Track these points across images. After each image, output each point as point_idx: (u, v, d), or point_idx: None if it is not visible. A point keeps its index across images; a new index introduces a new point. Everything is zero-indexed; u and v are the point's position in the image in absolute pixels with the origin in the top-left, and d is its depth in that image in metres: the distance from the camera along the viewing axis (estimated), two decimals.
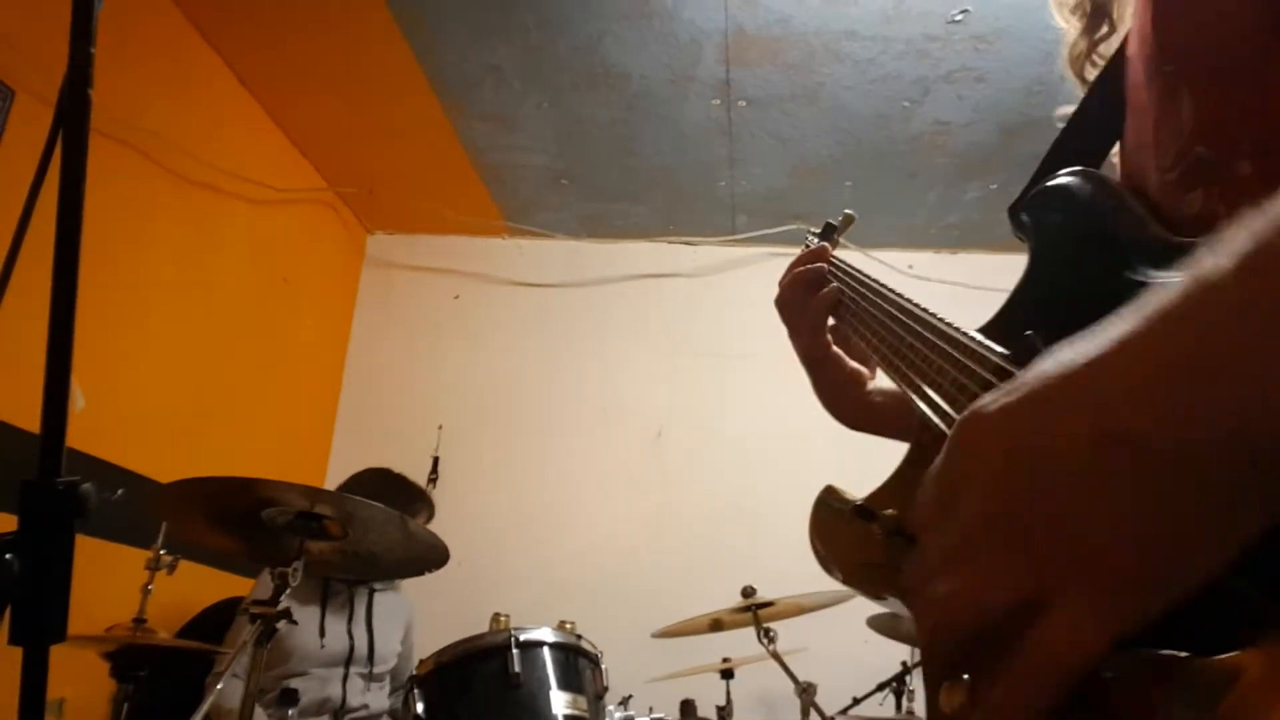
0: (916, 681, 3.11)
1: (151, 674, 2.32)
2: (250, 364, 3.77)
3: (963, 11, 3.05)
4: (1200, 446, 0.37)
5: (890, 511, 0.78)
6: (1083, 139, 0.83)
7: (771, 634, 2.64)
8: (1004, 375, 0.63)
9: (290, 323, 4.12)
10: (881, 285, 1.02)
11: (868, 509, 0.80)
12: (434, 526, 3.08)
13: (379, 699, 2.94)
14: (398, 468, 3.24)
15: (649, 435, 4.36)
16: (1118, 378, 0.40)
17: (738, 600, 2.74)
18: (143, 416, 3.12)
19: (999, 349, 0.67)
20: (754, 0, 3.06)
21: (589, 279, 4.65)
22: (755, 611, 2.68)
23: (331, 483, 3.29)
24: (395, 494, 2.96)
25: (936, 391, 0.73)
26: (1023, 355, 0.64)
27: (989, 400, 0.45)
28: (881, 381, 1.13)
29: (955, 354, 0.72)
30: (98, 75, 0.76)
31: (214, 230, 3.52)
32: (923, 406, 0.75)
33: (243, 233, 3.71)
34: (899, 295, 0.94)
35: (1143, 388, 0.39)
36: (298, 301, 4.15)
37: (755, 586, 2.74)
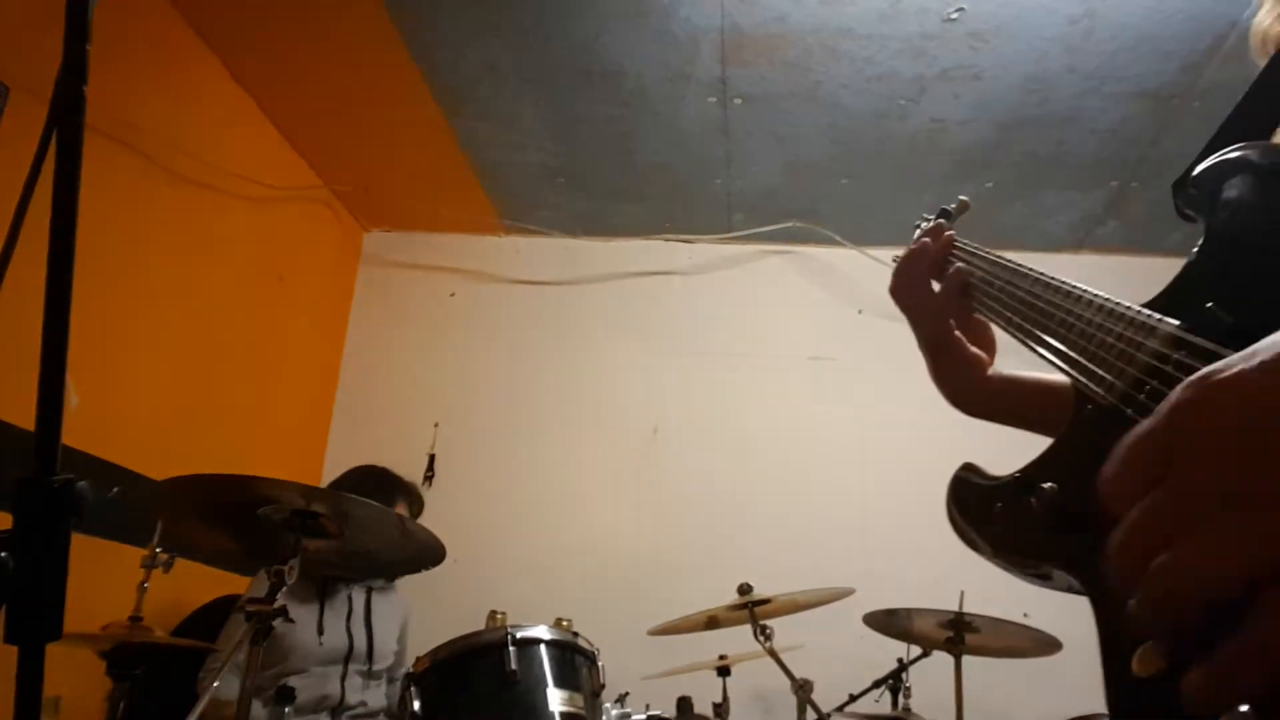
0: (912, 678, 3.12)
1: (147, 672, 2.31)
2: (246, 362, 3.77)
3: (959, 9, 3.05)
4: None
5: (1050, 485, 0.76)
6: (1255, 118, 0.82)
7: (768, 631, 2.64)
8: (1181, 344, 0.61)
9: (286, 320, 4.12)
10: (1016, 263, 0.99)
11: (1028, 482, 0.79)
12: (430, 524, 3.08)
13: (377, 696, 2.95)
14: (394, 465, 3.24)
15: (645, 432, 4.36)
16: None
17: (734, 597, 2.75)
18: (138, 414, 3.12)
19: (1171, 320, 0.65)
20: None
21: (585, 277, 4.65)
22: (752, 608, 2.68)
23: (328, 480, 3.29)
24: (379, 490, 2.96)
25: (1098, 364, 0.71)
26: (1205, 325, 0.62)
27: (1219, 365, 0.42)
28: (1001, 367, 1.12)
29: (1117, 326, 0.70)
30: (92, 72, 0.76)
31: (209, 228, 3.52)
32: (1082, 379, 0.73)
33: (238, 230, 3.71)
34: (1039, 272, 0.92)
35: None
36: (293, 299, 4.14)
37: (751, 583, 2.75)
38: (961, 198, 1.39)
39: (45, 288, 0.74)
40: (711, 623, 2.88)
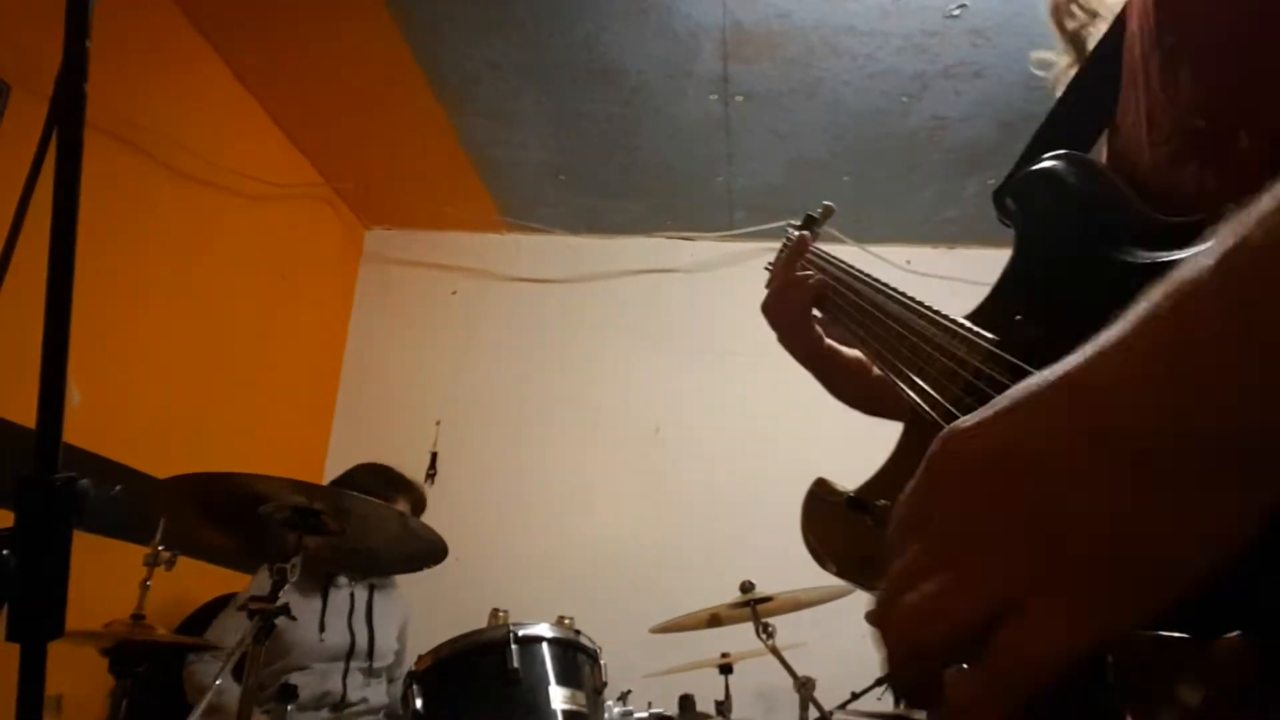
0: None
1: (150, 670, 2.31)
2: (247, 359, 3.77)
3: (960, 6, 3.05)
4: (1190, 440, 0.37)
5: (883, 502, 0.78)
6: (1070, 127, 0.83)
7: (770, 629, 2.64)
8: (996, 360, 0.63)
9: (288, 318, 4.12)
10: (866, 275, 1.01)
11: (860, 500, 0.81)
12: (432, 522, 3.08)
13: (378, 693, 2.95)
14: (395, 463, 3.24)
15: (647, 431, 4.36)
16: (1104, 376, 0.40)
17: (736, 595, 2.75)
18: (140, 412, 3.12)
19: (988, 334, 0.67)
20: None
21: (586, 274, 4.64)
22: (754, 606, 2.68)
23: (330, 477, 3.29)
24: (382, 488, 2.97)
25: (925, 380, 0.73)
26: (1014, 339, 0.64)
27: (966, 419, 0.44)
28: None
29: (944, 341, 0.72)
30: (93, 71, 0.76)
31: (211, 226, 3.52)
32: (912, 395, 0.75)
33: (240, 228, 3.71)
34: (884, 285, 0.94)
35: (1130, 385, 0.38)
36: (295, 297, 4.14)
37: (754, 581, 2.75)
38: (826, 203, 1.40)
39: (46, 286, 0.74)
40: (714, 620, 2.88)
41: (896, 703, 3.14)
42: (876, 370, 1.07)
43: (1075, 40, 0.89)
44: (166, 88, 3.24)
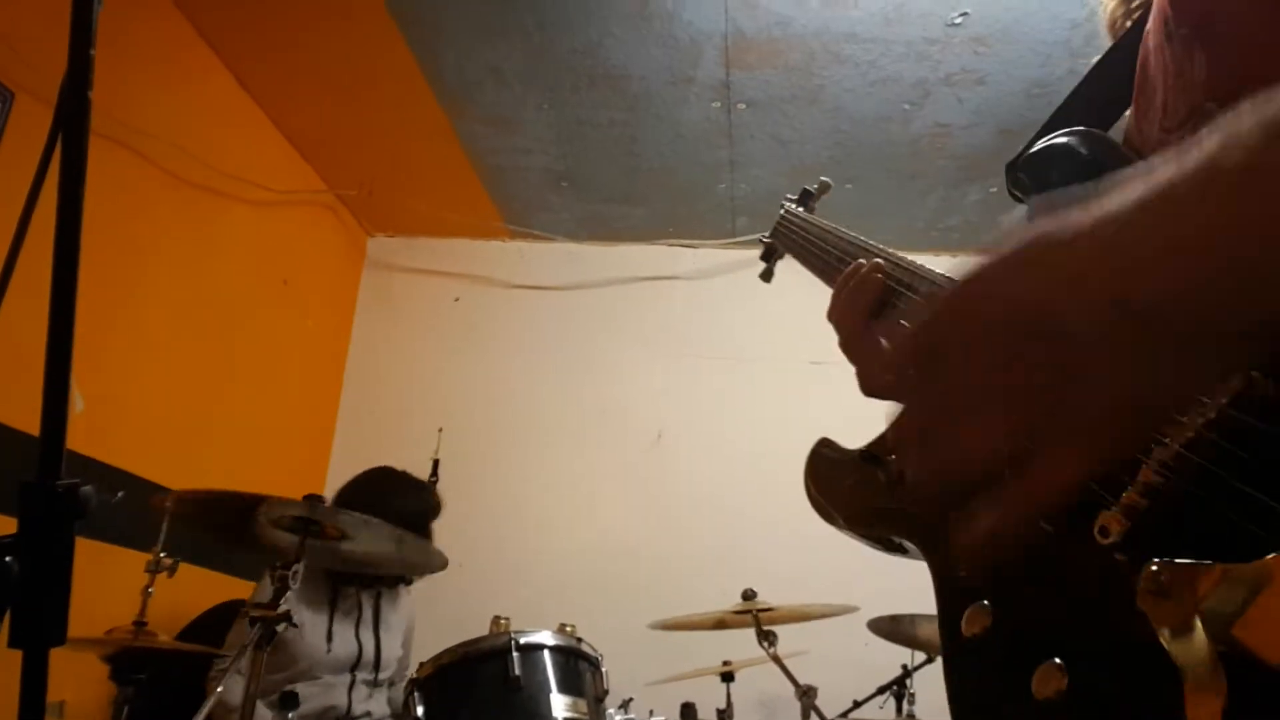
0: (917, 685, 3.11)
1: (152, 677, 2.31)
2: (250, 366, 3.77)
3: (962, 14, 3.05)
4: (1207, 322, 0.40)
5: (893, 456, 0.80)
6: (1090, 105, 0.83)
7: (772, 637, 2.63)
8: None
9: (290, 325, 4.12)
10: (878, 248, 1.00)
11: (873, 454, 0.83)
12: (434, 528, 3.09)
13: (381, 705, 2.93)
14: (399, 468, 3.23)
15: (649, 438, 4.36)
16: (1130, 249, 0.42)
17: (738, 603, 2.74)
18: (142, 419, 3.12)
19: None
20: (754, 2, 3.06)
21: (589, 281, 4.65)
22: (756, 614, 2.68)
23: (332, 483, 3.29)
24: (398, 492, 2.96)
25: None
26: None
27: (986, 264, 0.47)
28: None
29: None
30: (97, 77, 0.76)
31: (214, 232, 3.52)
32: None
33: (243, 235, 3.71)
34: (900, 258, 0.92)
35: (1155, 261, 0.41)
36: (298, 304, 4.15)
37: (755, 589, 2.74)
38: (823, 179, 1.39)
39: (50, 292, 0.74)
40: (716, 628, 2.88)
41: (899, 710, 3.13)
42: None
43: None
44: (170, 94, 3.25)
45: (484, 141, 3.95)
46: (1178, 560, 0.47)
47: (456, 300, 4.67)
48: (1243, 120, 0.40)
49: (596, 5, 3.12)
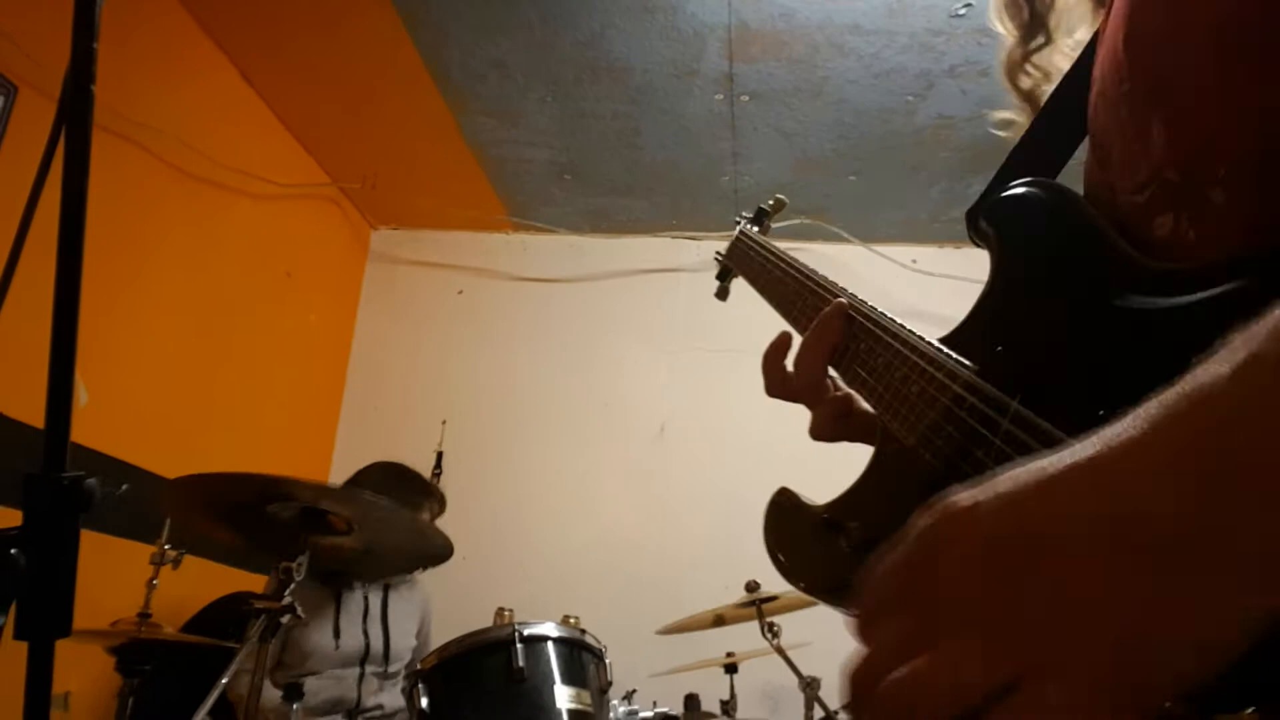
0: None
1: (157, 668, 2.32)
2: (254, 359, 3.78)
3: (966, 5, 3.04)
4: (1211, 534, 0.37)
5: (854, 524, 0.77)
6: (1036, 156, 0.82)
7: (775, 628, 2.64)
8: (974, 390, 0.63)
9: (294, 318, 4.13)
10: (831, 284, 0.98)
11: (834, 520, 0.80)
12: (437, 520, 3.09)
13: (394, 698, 2.94)
14: (407, 464, 3.24)
15: (652, 430, 4.36)
16: (1128, 462, 0.39)
17: (741, 595, 2.74)
18: (147, 411, 3.13)
19: (968, 363, 0.67)
20: None
21: (592, 274, 4.65)
22: (759, 606, 2.68)
23: (336, 477, 3.30)
24: (406, 488, 2.97)
25: (903, 404, 0.72)
26: (995, 369, 0.64)
27: (963, 495, 0.44)
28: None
29: (923, 364, 0.71)
30: (101, 71, 0.76)
31: (217, 226, 3.53)
32: (888, 418, 0.74)
33: (246, 228, 3.72)
34: (855, 298, 0.91)
35: (1156, 471, 0.38)
36: (302, 297, 4.15)
37: (759, 581, 2.74)
38: (779, 196, 1.37)
39: (54, 285, 0.74)
40: (719, 620, 2.88)
41: None
42: (842, 389, 0.97)
43: (1030, 99, 0.89)
44: (173, 88, 3.25)
45: (487, 134, 3.95)
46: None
47: (460, 293, 4.68)
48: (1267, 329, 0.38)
49: None
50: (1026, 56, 0.88)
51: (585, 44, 3.34)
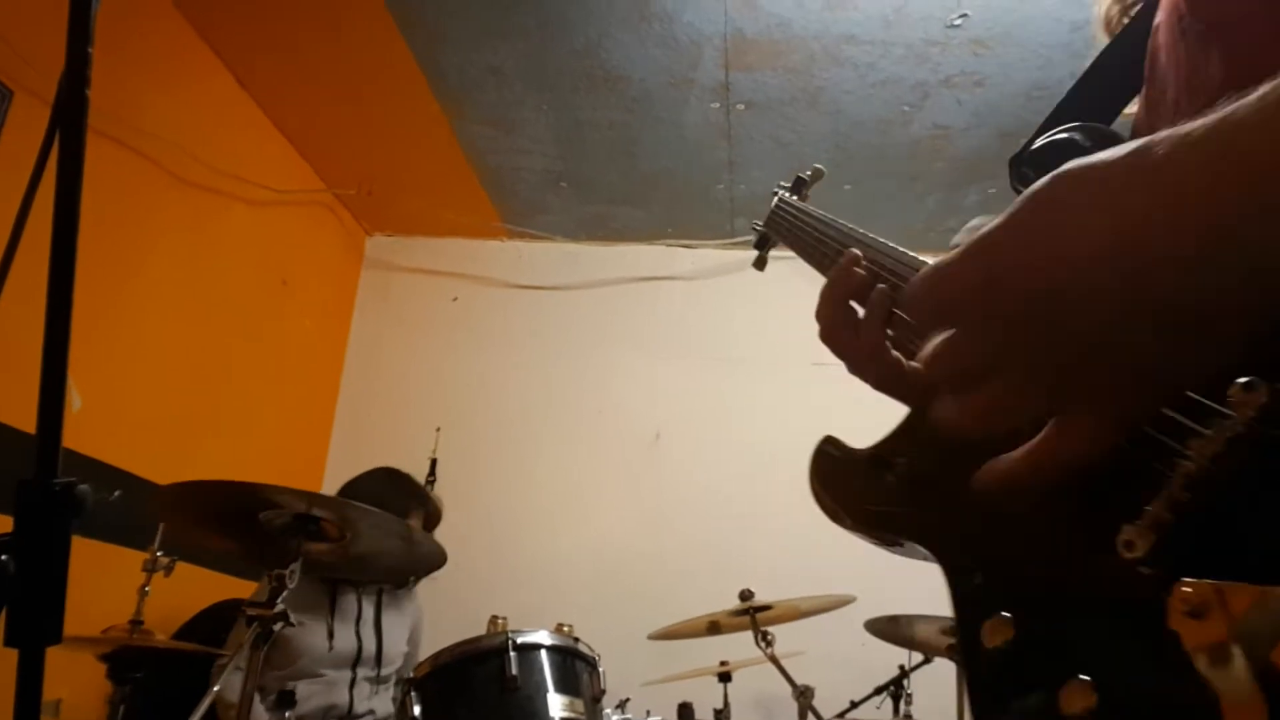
0: (914, 685, 3.11)
1: (148, 676, 2.31)
2: (248, 365, 3.77)
3: (962, 16, 3.05)
4: (1225, 310, 0.42)
5: (902, 459, 0.79)
6: (1092, 100, 0.82)
7: (769, 637, 2.63)
8: None
9: (288, 324, 4.12)
10: (873, 239, 0.97)
11: (883, 457, 0.82)
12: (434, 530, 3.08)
13: (385, 703, 2.93)
14: (402, 469, 3.23)
15: (647, 438, 4.36)
16: (1151, 240, 0.42)
17: (735, 603, 2.74)
18: (139, 417, 3.12)
19: None
20: (754, 4, 3.06)
21: (587, 281, 4.65)
22: (753, 614, 2.68)
23: (330, 483, 3.29)
24: (400, 494, 2.95)
25: None
26: None
27: (998, 225, 0.48)
28: None
29: None
30: (96, 75, 0.76)
31: (212, 231, 3.52)
32: None
33: (241, 234, 3.71)
34: (894, 248, 0.92)
35: (1174, 258, 0.41)
36: (296, 303, 4.15)
37: (753, 589, 2.74)
38: (817, 165, 1.39)
39: (47, 290, 0.74)
40: (713, 628, 2.88)
41: (895, 710, 3.13)
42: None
43: None
44: (169, 93, 3.25)
45: (483, 141, 3.95)
46: (1210, 581, 0.46)
47: (455, 300, 4.67)
48: None
49: (596, 6, 3.12)
50: (1124, 10, 0.88)
51: (582, 52, 3.35)
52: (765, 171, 4.02)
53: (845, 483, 0.87)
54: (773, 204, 1.41)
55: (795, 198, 1.41)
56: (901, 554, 0.81)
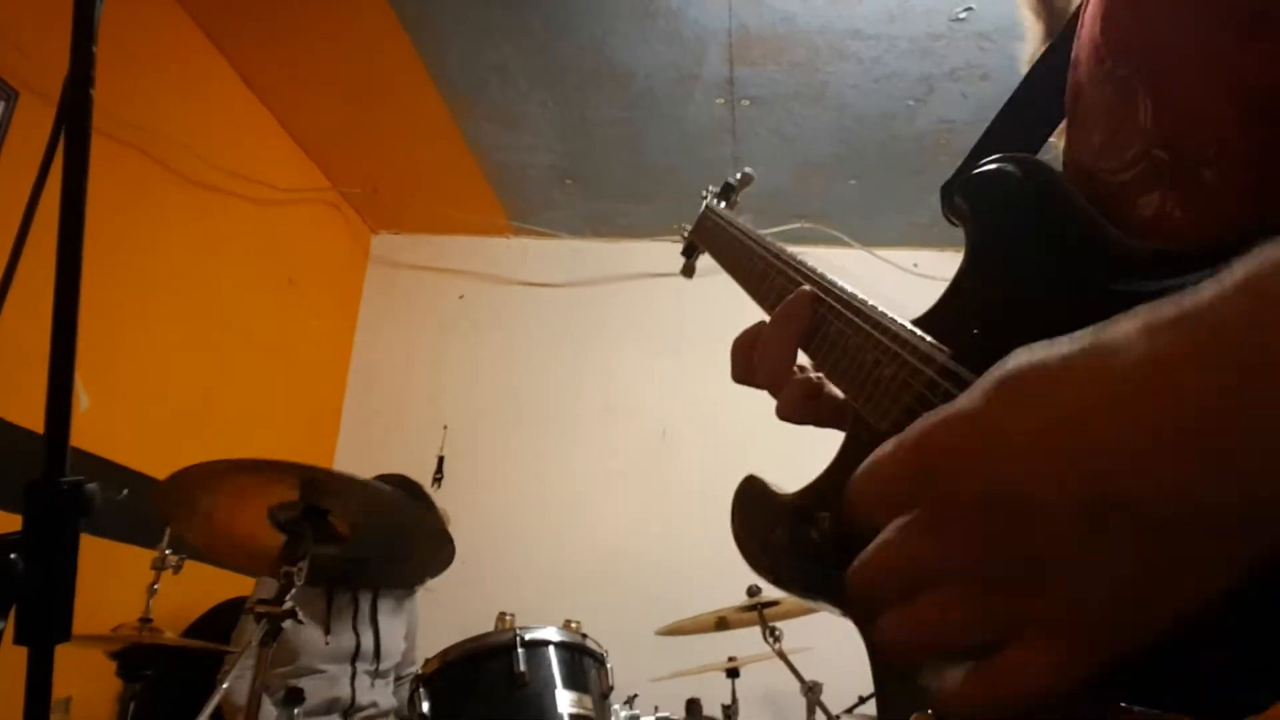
0: None
1: (157, 673, 2.32)
2: (255, 364, 3.78)
3: (967, 9, 3.04)
4: (1194, 514, 0.36)
5: (824, 514, 0.74)
6: (1020, 127, 0.80)
7: (777, 633, 2.64)
8: (949, 375, 0.60)
9: (295, 323, 4.13)
10: (802, 264, 0.93)
11: (806, 510, 0.76)
12: None
13: (386, 697, 2.95)
14: (402, 468, 3.24)
15: (654, 434, 4.36)
16: (1113, 435, 0.37)
17: (743, 599, 2.74)
18: (147, 416, 3.13)
19: (942, 347, 0.64)
20: None
21: (593, 278, 4.65)
22: (761, 610, 2.68)
23: None
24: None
25: (876, 388, 0.68)
26: (970, 353, 0.61)
27: (956, 408, 0.41)
28: None
29: (895, 348, 0.67)
30: (101, 76, 0.76)
31: (218, 230, 3.53)
32: (859, 403, 0.71)
33: (247, 233, 3.72)
34: (824, 277, 0.87)
35: (1139, 451, 0.36)
36: (302, 302, 4.15)
37: (760, 586, 2.74)
38: (746, 170, 1.33)
39: (54, 290, 0.74)
40: (721, 624, 2.88)
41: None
42: (812, 374, 0.92)
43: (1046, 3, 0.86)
44: (174, 92, 3.25)
45: (489, 139, 3.95)
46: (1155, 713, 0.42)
47: (461, 297, 4.68)
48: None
49: (601, 3, 3.12)
50: (1049, 34, 0.86)
51: (587, 49, 3.35)
52: (770, 167, 4.01)
53: (766, 531, 0.81)
54: (700, 210, 1.36)
55: (723, 204, 1.36)
56: (820, 609, 0.76)
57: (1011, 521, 0.39)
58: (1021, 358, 0.40)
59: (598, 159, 4.06)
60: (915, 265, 4.39)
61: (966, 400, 0.41)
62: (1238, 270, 0.35)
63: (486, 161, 4.13)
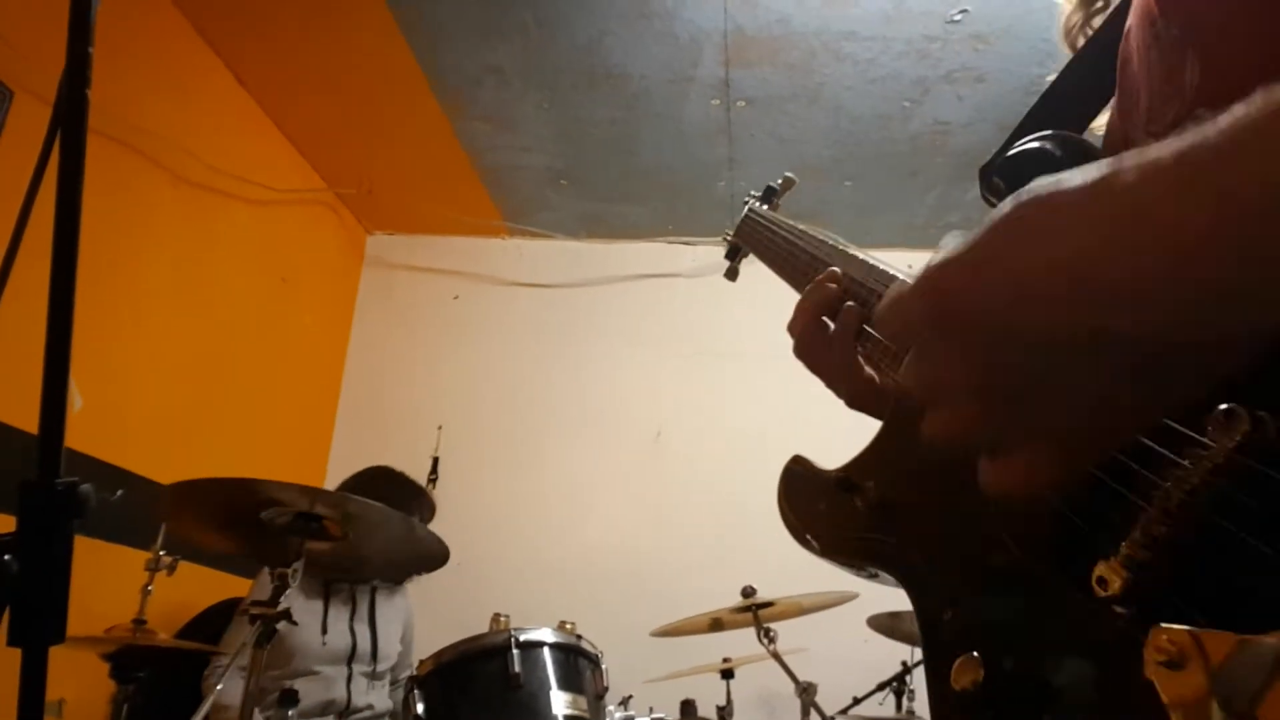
0: (917, 681, 3.11)
1: (151, 675, 2.31)
2: (249, 364, 3.77)
3: (962, 11, 3.05)
4: (1185, 349, 0.40)
5: (869, 483, 0.77)
6: (1063, 109, 0.80)
7: (772, 634, 2.63)
8: None
9: (290, 323, 4.12)
10: (843, 251, 0.96)
11: (850, 480, 0.80)
12: (433, 527, 3.08)
13: (382, 698, 2.94)
14: (397, 468, 3.23)
15: (648, 435, 4.36)
16: (1113, 276, 0.40)
17: (738, 600, 2.74)
18: (141, 417, 3.12)
19: None
20: (753, 0, 3.06)
21: (588, 279, 4.64)
22: (755, 611, 2.68)
23: (331, 482, 3.29)
24: (396, 493, 2.96)
25: None
26: None
27: (959, 250, 0.45)
28: None
29: None
30: (96, 75, 0.76)
31: (213, 231, 3.52)
32: (897, 379, 0.73)
33: (242, 233, 3.71)
34: (865, 263, 0.90)
35: (1139, 292, 0.39)
36: (297, 302, 4.15)
37: (755, 586, 2.74)
38: (787, 174, 1.37)
39: (49, 290, 0.74)
40: (715, 625, 2.88)
41: (898, 706, 3.13)
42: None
43: None
44: (169, 92, 3.25)
45: (483, 139, 3.95)
46: (1187, 627, 0.43)
47: (456, 298, 4.67)
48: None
49: (596, 3, 3.11)
50: (1087, 20, 0.86)
51: (582, 49, 3.35)
52: (766, 168, 4.01)
53: (811, 503, 0.84)
54: (743, 213, 1.40)
55: (765, 207, 1.39)
56: (872, 581, 0.79)
57: (1012, 348, 0.44)
58: (1024, 197, 0.44)
59: (592, 160, 4.06)
60: (910, 267, 4.35)
61: (972, 239, 0.46)
62: (1237, 109, 0.38)
63: (481, 162, 4.13)
